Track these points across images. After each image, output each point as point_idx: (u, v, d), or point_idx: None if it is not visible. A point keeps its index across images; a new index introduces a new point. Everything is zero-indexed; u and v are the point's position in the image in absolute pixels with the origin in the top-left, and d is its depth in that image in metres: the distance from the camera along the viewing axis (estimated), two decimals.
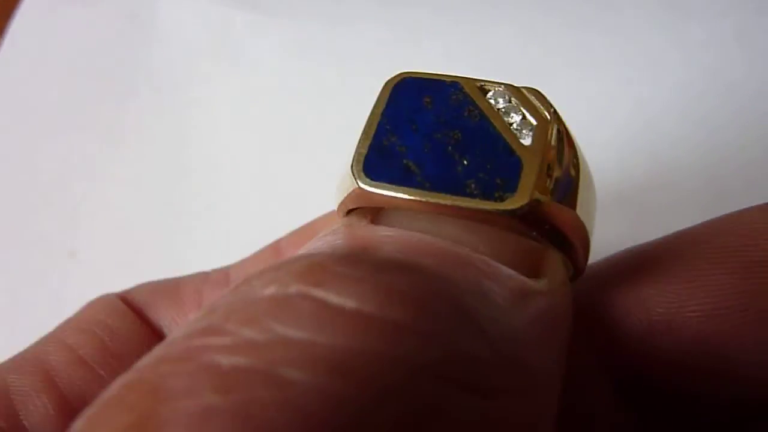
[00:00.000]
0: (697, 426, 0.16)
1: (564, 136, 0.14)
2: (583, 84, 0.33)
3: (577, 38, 0.34)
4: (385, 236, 0.13)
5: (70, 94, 0.36)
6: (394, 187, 0.13)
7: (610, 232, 0.27)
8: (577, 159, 0.15)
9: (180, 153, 0.34)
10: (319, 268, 0.11)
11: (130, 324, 0.20)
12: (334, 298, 0.10)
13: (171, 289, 0.21)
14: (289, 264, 0.11)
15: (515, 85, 0.14)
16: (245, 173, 0.33)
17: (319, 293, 0.10)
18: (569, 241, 0.14)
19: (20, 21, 0.38)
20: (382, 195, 0.13)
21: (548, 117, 0.14)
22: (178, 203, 0.32)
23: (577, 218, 0.14)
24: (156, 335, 0.20)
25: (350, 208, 0.14)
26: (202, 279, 0.21)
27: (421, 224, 0.13)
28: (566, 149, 0.14)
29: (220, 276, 0.21)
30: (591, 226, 0.15)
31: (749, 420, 0.16)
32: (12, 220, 0.27)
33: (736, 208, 0.26)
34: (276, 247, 0.21)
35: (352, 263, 0.11)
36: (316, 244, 0.14)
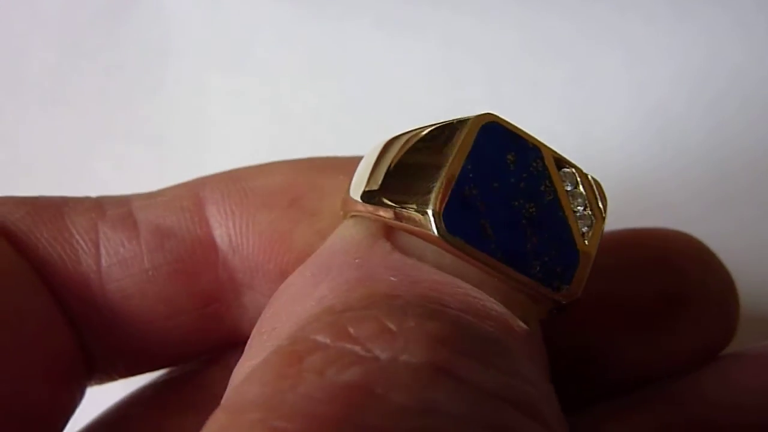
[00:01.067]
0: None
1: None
2: (585, 71, 0.34)
3: (577, 25, 0.35)
4: (439, 284, 0.13)
5: (54, 67, 0.36)
6: (470, 249, 0.13)
7: (613, 218, 0.31)
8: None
9: (166, 129, 0.33)
10: (441, 343, 0.11)
11: (2, 248, 0.17)
12: (475, 378, 0.11)
13: (52, 215, 0.18)
14: (402, 322, 0.11)
15: (584, 171, 0.15)
16: (235, 149, 0.31)
17: (460, 372, 0.11)
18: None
19: None
20: (455, 251, 0.13)
21: (604, 214, 0.15)
22: (165, 179, 0.28)
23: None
24: (36, 269, 0.18)
25: (388, 225, 0.15)
26: (96, 212, 0.18)
27: (449, 261, 0.14)
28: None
29: (122, 213, 0.18)
30: None
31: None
32: None
33: (740, 193, 0.31)
34: (195, 192, 0.19)
35: (466, 340, 0.12)
36: (352, 271, 0.13)
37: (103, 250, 0.18)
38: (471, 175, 0.14)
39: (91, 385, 0.20)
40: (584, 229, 0.15)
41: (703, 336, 0.19)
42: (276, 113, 0.33)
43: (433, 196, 0.13)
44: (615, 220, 0.29)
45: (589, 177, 0.15)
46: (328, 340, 0.11)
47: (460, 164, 0.14)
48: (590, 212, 0.15)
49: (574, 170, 0.15)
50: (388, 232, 0.15)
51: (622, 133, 0.32)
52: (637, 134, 0.32)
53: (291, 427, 0.10)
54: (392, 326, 0.11)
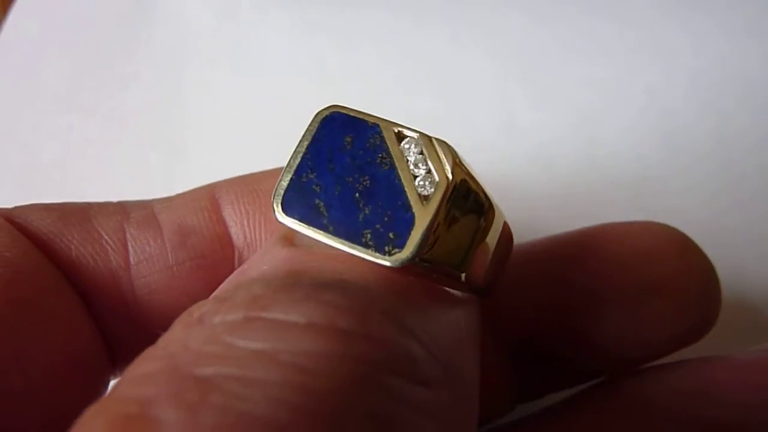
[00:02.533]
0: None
1: (470, 186, 0.16)
2: (594, 72, 0.34)
3: (587, 26, 0.35)
4: (314, 259, 0.15)
5: (71, 76, 0.36)
6: (302, 225, 0.15)
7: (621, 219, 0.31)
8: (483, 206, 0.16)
9: (183, 136, 0.34)
10: (261, 297, 0.13)
11: (33, 255, 0.18)
12: (282, 316, 0.12)
13: (80, 219, 0.20)
14: (231, 298, 0.13)
15: (429, 134, 0.15)
16: (248, 156, 0.31)
17: (269, 315, 0.12)
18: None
19: (23, 1, 0.38)
20: (293, 230, 0.15)
21: (449, 176, 0.15)
22: (180, 186, 0.29)
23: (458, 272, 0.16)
24: (63, 273, 0.19)
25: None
26: (121, 215, 0.20)
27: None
28: (469, 202, 0.16)
29: (145, 214, 0.20)
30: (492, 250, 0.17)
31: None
32: (13, 201, 0.21)
33: (748, 195, 0.31)
34: (211, 193, 0.21)
35: (290, 289, 0.13)
36: (257, 267, 0.15)
37: (130, 249, 0.20)
38: (309, 163, 0.15)
39: (115, 376, 0.21)
40: (428, 190, 0.15)
41: (683, 323, 0.20)
42: (292, 120, 0.34)
43: (276, 188, 0.15)
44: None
45: (434, 141, 0.15)
46: (173, 327, 0.13)
47: (299, 154, 0.16)
48: (434, 174, 0.15)
49: (417, 136, 0.15)
50: (292, 235, 0.16)
51: (631, 138, 0.32)
52: (645, 138, 0.32)
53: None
54: (225, 298, 0.13)
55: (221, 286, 0.16)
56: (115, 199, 0.27)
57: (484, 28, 0.36)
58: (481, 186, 0.16)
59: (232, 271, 0.20)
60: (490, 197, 0.16)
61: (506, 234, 0.17)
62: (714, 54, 0.34)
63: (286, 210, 0.15)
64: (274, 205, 0.15)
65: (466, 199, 0.16)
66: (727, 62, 0.33)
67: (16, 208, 0.19)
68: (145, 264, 0.20)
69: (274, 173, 0.21)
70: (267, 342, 0.12)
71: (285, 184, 0.15)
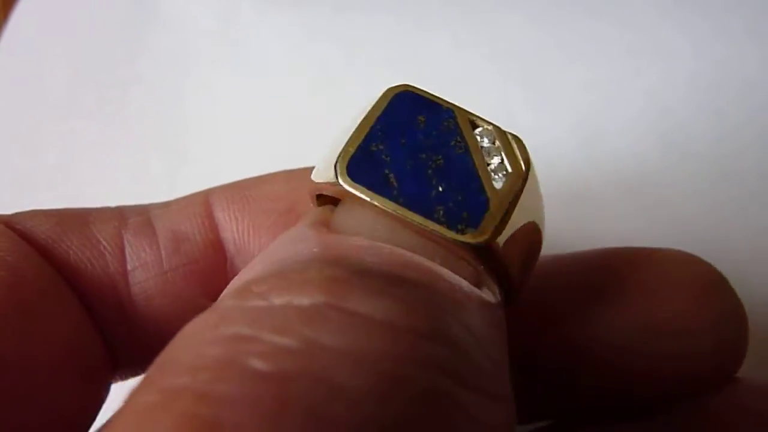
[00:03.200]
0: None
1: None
2: (594, 75, 0.34)
3: (586, 28, 0.35)
4: (360, 247, 0.13)
5: (73, 79, 0.36)
6: (371, 193, 0.14)
7: (622, 223, 0.29)
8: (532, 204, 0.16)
9: (184, 140, 0.34)
10: (340, 281, 0.12)
11: (34, 260, 0.18)
12: (362, 309, 0.11)
13: (79, 225, 0.19)
14: (303, 274, 0.12)
15: (503, 128, 0.15)
16: (250, 160, 0.31)
17: (349, 305, 0.11)
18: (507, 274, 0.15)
19: (24, 5, 0.38)
20: (359, 197, 0.14)
21: (523, 168, 0.15)
22: (182, 190, 0.29)
23: (517, 264, 0.15)
24: (62, 279, 0.19)
25: (320, 193, 0.16)
26: (118, 221, 0.20)
27: (382, 232, 0.14)
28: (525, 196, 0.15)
29: (142, 222, 0.20)
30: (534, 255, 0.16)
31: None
32: (14, 205, 0.21)
33: (746, 195, 0.31)
34: (205, 199, 0.21)
35: (364, 277, 0.12)
36: (288, 250, 0.14)
37: (128, 255, 0.20)
38: (379, 133, 0.15)
39: (116, 380, 0.21)
40: (499, 181, 0.15)
41: (711, 364, 0.18)
42: (294, 123, 0.34)
43: (341, 153, 0.15)
44: (622, 225, 0.29)
45: (508, 134, 0.15)
46: (230, 302, 0.12)
47: (368, 125, 0.15)
48: (507, 165, 0.15)
49: (492, 127, 0.15)
50: (327, 219, 0.15)
51: (630, 139, 0.32)
52: (644, 139, 0.32)
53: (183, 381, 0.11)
54: (294, 277, 0.12)
55: (263, 263, 0.14)
56: (116, 203, 0.27)
57: (485, 31, 0.36)
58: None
59: (224, 276, 0.20)
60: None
61: (534, 235, 0.16)
62: (713, 56, 0.34)
63: (353, 176, 0.14)
64: (338, 171, 0.14)
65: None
66: (726, 64, 0.34)
67: (15, 214, 0.20)
68: (141, 270, 0.20)
69: (265, 179, 0.21)
70: (350, 340, 0.11)
71: (352, 150, 0.15)
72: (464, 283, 0.14)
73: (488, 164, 0.15)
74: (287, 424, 0.10)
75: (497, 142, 0.15)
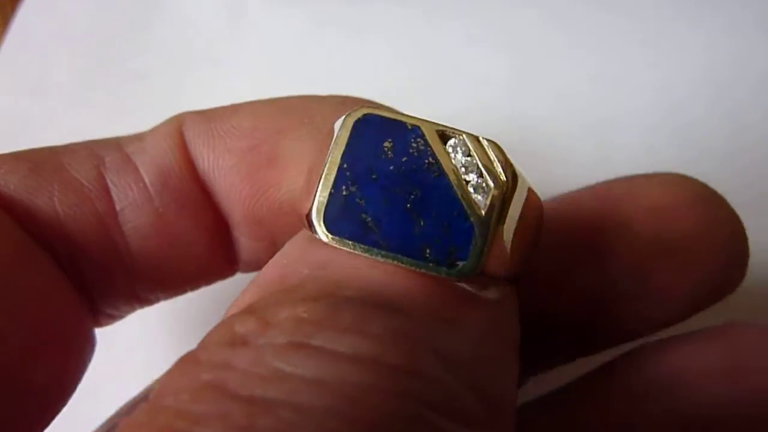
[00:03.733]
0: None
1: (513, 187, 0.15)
2: (606, 68, 0.33)
3: (600, 22, 0.35)
4: (348, 270, 0.14)
5: (79, 74, 0.36)
6: (355, 245, 0.14)
7: None
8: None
9: None
10: (306, 322, 0.13)
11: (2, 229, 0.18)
12: (329, 345, 0.12)
13: (55, 169, 0.19)
14: (276, 320, 0.13)
15: (475, 134, 0.14)
16: None
17: (316, 342, 0.12)
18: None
19: (30, 2, 0.38)
20: (343, 250, 0.14)
21: (504, 179, 0.14)
22: None
23: (518, 259, 0.15)
24: (40, 232, 0.18)
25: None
26: (95, 160, 0.19)
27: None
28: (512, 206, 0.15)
29: (121, 159, 0.19)
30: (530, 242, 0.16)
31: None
32: None
33: (762, 193, 0.31)
34: (177, 128, 0.20)
35: (335, 315, 0.13)
36: (282, 271, 0.15)
37: (114, 195, 0.19)
38: (347, 173, 0.14)
39: (100, 325, 0.21)
40: (480, 198, 0.14)
41: (700, 284, 0.18)
42: None
43: (314, 203, 0.14)
44: None
45: (482, 141, 0.14)
46: (215, 341, 0.13)
47: (335, 165, 0.14)
48: (487, 179, 0.14)
49: (464, 137, 0.14)
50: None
51: (642, 133, 0.32)
52: (655, 133, 0.32)
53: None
54: (270, 319, 0.13)
55: (254, 289, 0.15)
56: None
57: (496, 23, 0.36)
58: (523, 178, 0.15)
59: (210, 210, 0.20)
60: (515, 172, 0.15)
61: (533, 216, 0.16)
62: (725, 50, 0.33)
63: (331, 229, 0.14)
64: (316, 224, 0.14)
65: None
66: (739, 58, 0.33)
67: None
68: (131, 209, 0.19)
69: (232, 110, 0.20)
70: (315, 370, 0.12)
71: (324, 199, 0.14)
72: (465, 290, 0.14)
73: (467, 182, 0.14)
74: None
75: (473, 153, 0.14)
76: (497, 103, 0.33)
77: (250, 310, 0.14)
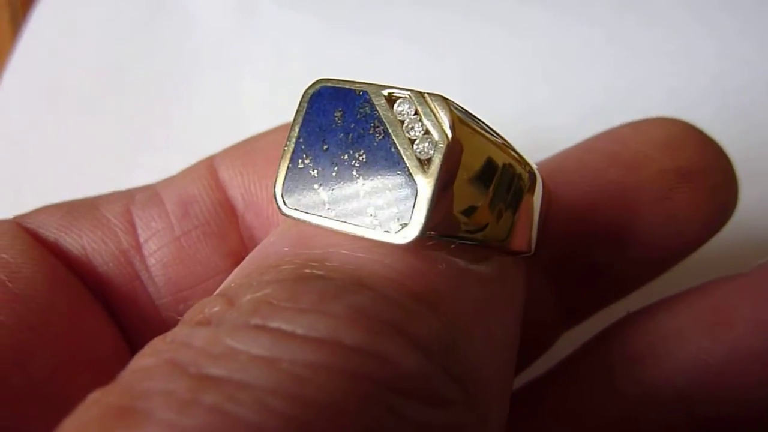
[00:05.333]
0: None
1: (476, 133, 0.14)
2: (619, 74, 0.34)
3: (612, 28, 0.35)
4: (327, 245, 0.14)
5: (92, 79, 0.37)
6: (306, 215, 0.14)
7: None
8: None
9: (208, 138, 0.31)
10: (265, 304, 0.13)
11: (36, 258, 0.18)
12: (285, 326, 0.12)
13: (88, 210, 0.20)
14: (239, 300, 0.13)
15: (421, 91, 0.14)
16: None
17: (272, 323, 0.12)
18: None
19: (46, 5, 0.38)
20: (298, 220, 0.15)
21: (449, 134, 0.14)
22: None
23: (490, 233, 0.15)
24: (71, 265, 0.19)
25: None
26: (126, 199, 0.20)
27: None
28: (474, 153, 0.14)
29: (149, 194, 0.20)
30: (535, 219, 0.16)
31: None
32: (36, 204, 0.22)
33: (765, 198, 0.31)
34: (209, 163, 0.21)
35: (298, 295, 0.13)
36: (265, 251, 0.15)
37: (138, 228, 0.20)
38: (303, 146, 0.15)
39: None
40: (426, 155, 0.14)
41: (712, 206, 0.20)
42: None
43: (275, 179, 0.15)
44: None
45: (427, 97, 0.14)
46: (186, 320, 0.14)
47: (293, 140, 0.15)
48: (433, 133, 0.14)
49: (409, 94, 0.14)
50: None
51: None
52: None
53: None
54: (235, 300, 0.13)
55: (238, 269, 0.16)
56: None
57: (508, 29, 0.36)
58: (495, 140, 0.15)
59: (237, 234, 0.20)
60: (521, 156, 0.15)
61: (546, 191, 0.16)
62: (737, 56, 0.34)
63: (287, 200, 0.15)
64: (276, 198, 0.15)
65: (482, 164, 0.14)
66: (751, 65, 0.33)
67: (28, 212, 0.20)
68: (154, 239, 0.20)
69: (264, 133, 0.21)
70: (267, 349, 0.12)
71: (282, 173, 0.15)
72: (458, 262, 0.14)
73: (413, 140, 0.14)
74: (194, 413, 0.11)
75: (419, 111, 0.14)
76: (509, 109, 0.33)
77: (221, 292, 0.14)
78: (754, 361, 0.18)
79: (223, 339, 0.12)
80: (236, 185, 0.20)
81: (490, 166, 0.14)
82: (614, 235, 0.20)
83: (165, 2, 0.39)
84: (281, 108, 0.34)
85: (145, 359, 0.13)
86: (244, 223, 0.20)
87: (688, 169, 0.20)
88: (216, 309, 0.13)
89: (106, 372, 0.19)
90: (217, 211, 0.20)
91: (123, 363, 0.20)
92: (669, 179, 0.20)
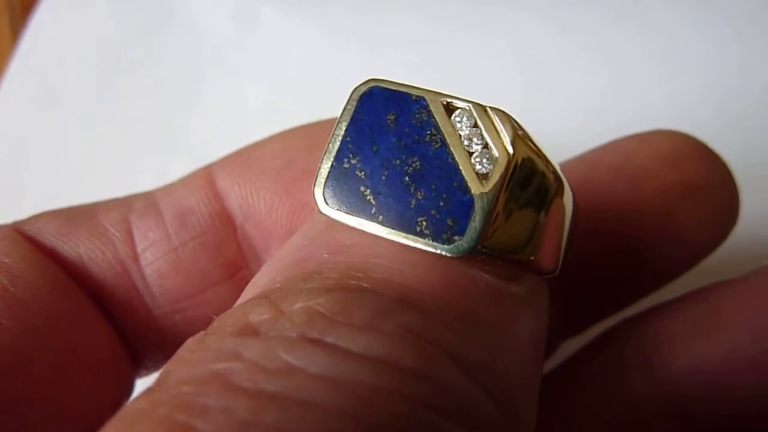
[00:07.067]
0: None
1: (534, 164, 0.14)
2: (616, 80, 0.34)
3: (610, 34, 0.35)
4: (368, 255, 0.14)
5: (92, 84, 0.37)
6: (349, 217, 0.14)
7: None
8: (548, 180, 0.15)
9: (204, 144, 0.34)
10: (320, 317, 0.12)
11: (36, 263, 0.19)
12: (342, 343, 0.12)
13: (86, 217, 0.20)
14: (290, 310, 0.13)
15: (483, 104, 0.14)
16: None
17: (329, 339, 0.12)
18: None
19: (46, 9, 0.38)
20: (341, 222, 0.14)
21: (510, 150, 0.13)
22: None
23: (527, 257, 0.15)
24: (69, 272, 0.19)
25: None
26: (124, 207, 0.20)
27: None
28: (534, 178, 0.14)
29: (147, 203, 0.20)
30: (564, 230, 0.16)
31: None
32: (36, 209, 0.22)
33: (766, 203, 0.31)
34: (207, 172, 0.21)
35: (352, 310, 0.13)
36: (299, 254, 0.15)
37: (136, 238, 0.20)
38: (350, 146, 0.14)
39: (141, 375, 0.21)
40: (486, 167, 0.14)
41: (716, 220, 0.20)
42: (306, 111, 0.34)
43: (316, 177, 0.14)
44: None
45: (490, 111, 0.14)
46: (227, 328, 0.13)
47: (339, 138, 0.14)
48: (493, 149, 0.14)
49: (470, 107, 0.14)
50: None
51: None
52: None
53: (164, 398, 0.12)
54: (284, 309, 0.13)
55: (273, 270, 0.15)
56: None
57: (507, 36, 0.36)
58: (548, 161, 0.14)
59: (235, 245, 0.20)
60: (560, 174, 0.15)
61: (575, 210, 0.16)
62: (734, 62, 0.34)
63: (329, 200, 0.14)
64: (316, 195, 0.14)
65: (530, 179, 0.14)
66: (748, 71, 0.33)
67: (26, 218, 0.20)
68: (151, 250, 0.20)
69: (262, 142, 0.21)
70: (325, 366, 0.12)
71: (325, 171, 0.14)
72: (495, 282, 0.14)
73: (471, 153, 0.14)
74: None
75: (479, 123, 0.14)
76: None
77: (264, 296, 0.13)
78: (748, 366, 0.18)
79: (279, 353, 0.12)
80: (234, 196, 0.20)
81: (539, 183, 0.14)
82: (617, 249, 0.20)
83: (166, 8, 0.39)
84: (282, 115, 0.35)
85: (188, 368, 0.12)
86: (243, 233, 0.20)
87: (693, 184, 0.20)
88: (264, 317, 0.13)
89: (105, 376, 0.20)
90: (215, 222, 0.20)
91: (122, 368, 0.20)
92: (673, 195, 0.20)
